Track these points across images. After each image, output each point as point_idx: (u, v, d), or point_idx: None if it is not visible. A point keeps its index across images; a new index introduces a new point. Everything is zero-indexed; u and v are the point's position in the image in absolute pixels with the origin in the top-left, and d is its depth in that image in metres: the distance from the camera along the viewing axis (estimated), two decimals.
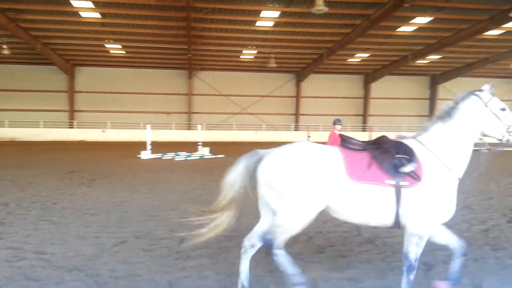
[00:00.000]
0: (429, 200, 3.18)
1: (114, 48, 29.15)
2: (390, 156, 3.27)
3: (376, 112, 38.73)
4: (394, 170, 3.19)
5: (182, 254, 4.57)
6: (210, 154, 18.28)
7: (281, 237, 3.28)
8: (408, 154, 3.26)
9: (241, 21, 21.93)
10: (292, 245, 4.81)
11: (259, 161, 3.44)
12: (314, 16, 20.09)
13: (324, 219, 6.17)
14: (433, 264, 4.40)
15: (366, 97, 38.43)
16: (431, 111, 39.19)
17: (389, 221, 3.27)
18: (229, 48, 28.12)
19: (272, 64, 30.15)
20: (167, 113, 36.78)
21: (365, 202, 3.20)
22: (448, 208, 3.27)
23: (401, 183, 3.17)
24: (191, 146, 23.05)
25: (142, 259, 4.46)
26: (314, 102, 38.74)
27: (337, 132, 8.70)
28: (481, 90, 3.55)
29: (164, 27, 23.12)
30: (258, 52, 29.48)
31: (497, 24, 20.91)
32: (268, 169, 3.33)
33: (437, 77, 38.27)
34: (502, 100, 3.52)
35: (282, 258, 3.26)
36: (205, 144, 20.76)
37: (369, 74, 37.34)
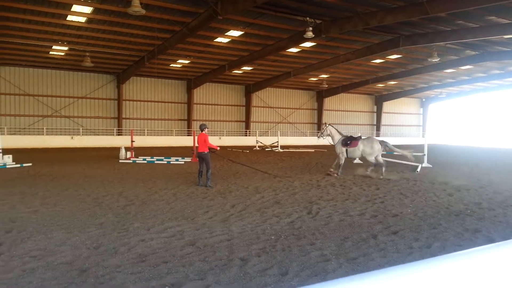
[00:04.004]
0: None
1: None
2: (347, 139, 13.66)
3: (199, 117, 40.31)
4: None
5: None
6: (14, 163, 15.86)
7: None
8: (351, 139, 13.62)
9: (49, 13, 19.66)
10: (109, 258, 4.75)
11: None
12: (132, 17, 19.66)
13: (148, 226, 6.28)
14: (249, 258, 4.99)
15: (189, 102, 39.57)
16: (247, 117, 43.19)
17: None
18: (35, 42, 24.81)
19: (88, 63, 28.02)
20: None
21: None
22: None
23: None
24: None
25: None
26: (137, 105, 37.79)
27: (206, 133, 10.99)
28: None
29: None
30: (71, 49, 26.94)
31: (295, 43, 24.57)
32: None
33: (251, 86, 42.35)
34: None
35: None
36: (7, 151, 17.97)
37: (192, 80, 38.61)
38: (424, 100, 57.07)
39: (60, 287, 3.89)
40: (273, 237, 5.79)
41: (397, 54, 29.35)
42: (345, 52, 28.53)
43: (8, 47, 25.89)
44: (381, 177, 13.02)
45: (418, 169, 15.23)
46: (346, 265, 4.66)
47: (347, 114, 51.18)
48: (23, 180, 11.76)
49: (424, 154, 17.18)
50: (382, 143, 13.67)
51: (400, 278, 1.35)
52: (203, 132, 11.03)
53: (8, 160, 16.04)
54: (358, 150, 13.50)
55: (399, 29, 23.02)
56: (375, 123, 53.38)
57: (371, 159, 13.43)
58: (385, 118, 53.58)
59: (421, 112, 57.89)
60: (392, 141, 17.87)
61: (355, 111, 51.80)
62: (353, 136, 14.17)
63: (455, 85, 43.89)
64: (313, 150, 29.94)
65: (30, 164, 16.13)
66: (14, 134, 31.56)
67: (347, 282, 1.27)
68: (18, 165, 15.58)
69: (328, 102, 48.52)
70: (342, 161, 13.91)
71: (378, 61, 31.92)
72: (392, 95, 51.20)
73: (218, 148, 11.34)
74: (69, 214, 7.13)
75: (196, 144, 11.51)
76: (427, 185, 11.59)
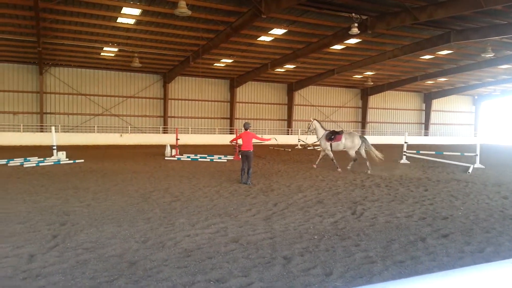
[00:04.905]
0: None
1: None
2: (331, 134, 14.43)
3: (241, 115, 40.70)
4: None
5: (30, 273, 4.16)
6: (67, 159, 16.79)
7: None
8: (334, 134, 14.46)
9: (100, 16, 20.60)
10: (157, 252, 4.92)
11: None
12: (178, 18, 20.18)
13: (193, 222, 6.44)
14: (292, 257, 4.98)
15: (232, 101, 40.05)
16: (289, 116, 43.05)
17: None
18: (87, 44, 26.11)
19: (136, 63, 29.12)
20: (14, 113, 32.33)
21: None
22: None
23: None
24: (44, 151, 20.89)
25: None
26: (182, 104, 38.78)
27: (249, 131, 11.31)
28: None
29: (7, 15, 20.26)
30: (121, 50, 28.10)
31: (339, 40, 24.12)
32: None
33: (293, 85, 42.12)
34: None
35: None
36: (61, 148, 19.06)
37: (234, 79, 39.05)
38: (476, 97, 54.05)
39: (111, 278, 4.06)
40: (316, 237, 5.72)
41: (448, 50, 28.02)
42: (392, 48, 27.66)
43: (62, 48, 27.42)
44: (368, 171, 13.86)
45: (470, 170, 14.48)
46: (393, 268, 4.51)
47: (393, 112, 49.60)
48: (76, 175, 12.42)
49: (476, 155, 16.31)
50: (362, 138, 14.66)
51: (452, 282, 1.28)
52: (248, 130, 11.20)
53: (62, 156, 17.02)
54: (341, 144, 14.58)
55: (450, 24, 21.94)
56: (423, 121, 51.31)
57: (352, 152, 14.55)
58: (434, 117, 51.37)
59: (473, 110, 54.88)
60: (442, 141, 17.36)
61: (402, 109, 50.09)
62: (336, 131, 15.11)
63: (510, 82, 41.23)
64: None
65: (82, 160, 16.98)
66: (67, 132, 33.40)
67: (401, 284, 1.22)
68: (71, 161, 16.47)
69: (373, 100, 47.24)
70: (331, 155, 14.90)
71: (427, 57, 30.63)
72: (442, 93, 48.94)
73: (270, 139, 12.33)
74: (119, 209, 7.44)
75: (240, 142, 11.61)
76: (479, 187, 10.98)
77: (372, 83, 40.60)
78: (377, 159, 14.33)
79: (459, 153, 18.19)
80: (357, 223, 6.58)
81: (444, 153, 18.65)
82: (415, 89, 48.47)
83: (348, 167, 14.68)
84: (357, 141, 14.46)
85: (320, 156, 15.52)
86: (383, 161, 14.70)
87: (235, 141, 12.22)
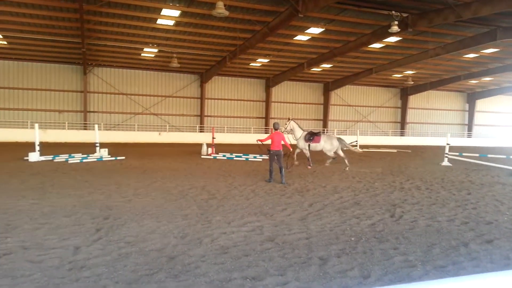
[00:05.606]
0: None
1: None
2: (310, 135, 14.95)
3: (277, 115, 40.68)
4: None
5: (76, 264, 4.37)
6: (109, 156, 17.46)
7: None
8: (313, 135, 14.96)
9: (140, 18, 21.26)
10: (194, 247, 5.03)
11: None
12: (215, 19, 20.47)
13: (229, 220, 6.54)
14: (328, 258, 4.95)
15: (267, 101, 40.11)
16: (325, 116, 42.57)
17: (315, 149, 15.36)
18: (128, 45, 27.01)
19: (175, 64, 29.81)
20: (59, 111, 33.96)
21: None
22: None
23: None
24: (87, 148, 21.78)
25: (29, 271, 4.13)
26: (218, 103, 39.28)
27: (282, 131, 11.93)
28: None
29: (54, 17, 21.31)
30: (160, 51, 28.87)
31: (378, 38, 23.58)
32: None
33: (329, 84, 41.59)
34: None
35: None
36: (103, 145, 19.81)
37: (270, 79, 39.08)
38: None
39: (151, 272, 4.19)
40: (353, 239, 5.64)
41: (494, 48, 26.73)
42: (434, 47, 26.72)
43: (105, 49, 28.53)
44: (346, 168, 14.62)
45: None
46: (434, 273, 4.38)
47: (434, 112, 47.87)
48: (118, 171, 12.89)
49: None
50: (339, 139, 15.58)
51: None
52: (278, 130, 11.33)
53: (104, 153, 17.73)
54: (320, 145, 15.21)
55: (496, 21, 20.93)
56: (466, 122, 49.20)
57: (331, 154, 15.34)
58: (478, 118, 49.12)
59: None
60: (487, 143, 16.75)
61: (443, 110, 48.26)
62: (314, 132, 15.53)
63: None
64: (395, 151, 28.52)
65: (123, 157, 17.57)
66: (109, 129, 34.67)
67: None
68: (113, 158, 17.09)
69: (414, 99, 45.78)
70: (308, 154, 15.40)
71: (471, 55, 29.37)
72: (487, 93, 46.68)
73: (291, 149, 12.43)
74: (158, 205, 7.66)
75: (268, 142, 11.64)
76: None
77: (412, 82, 39.30)
78: (358, 155, 15.92)
79: (504, 156, 17.31)
80: (396, 226, 6.43)
81: (489, 155, 17.81)
82: (458, 89, 46.57)
83: (326, 164, 15.67)
84: (336, 143, 15.32)
85: (295, 154, 15.59)
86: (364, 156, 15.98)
87: (263, 141, 12.06)
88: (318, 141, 15.16)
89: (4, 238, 5.26)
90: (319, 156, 17.85)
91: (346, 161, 15.06)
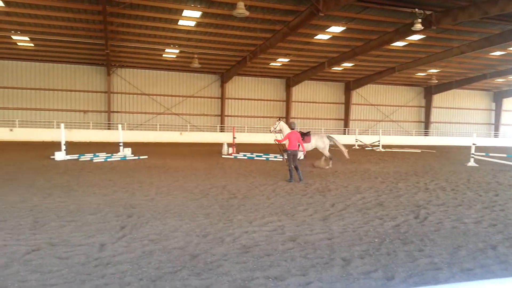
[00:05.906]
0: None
1: (22, 40, 26.82)
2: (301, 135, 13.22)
3: (297, 114, 40.53)
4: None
5: (101, 261, 4.45)
6: (133, 155, 17.76)
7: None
8: (303, 135, 14.31)
9: (162, 19, 21.54)
10: (216, 246, 5.07)
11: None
12: (236, 19, 20.56)
13: (250, 219, 6.55)
14: (351, 259, 4.90)
15: (288, 100, 40.00)
16: (346, 115, 42.13)
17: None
18: (150, 46, 27.42)
19: (196, 64, 30.09)
20: (84, 111, 34.78)
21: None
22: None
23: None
24: (111, 147, 22.23)
25: (56, 267, 4.23)
26: (239, 103, 39.42)
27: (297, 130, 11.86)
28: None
29: (78, 20, 21.84)
30: (181, 52, 29.18)
31: (401, 36, 23.17)
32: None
33: (350, 83, 41.12)
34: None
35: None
36: (126, 144, 20.16)
37: (290, 78, 38.95)
38: None
39: (174, 269, 4.24)
40: (376, 240, 5.55)
41: None
42: (459, 45, 26.08)
43: (128, 51, 29.05)
44: (327, 167, 14.71)
45: None
46: (460, 275, 4.27)
47: (459, 112, 46.71)
48: (141, 170, 13.09)
49: None
50: (329, 137, 15.66)
51: None
52: (295, 130, 11.34)
53: (127, 152, 18.05)
54: (311, 145, 15.30)
55: None
56: (493, 122, 47.81)
57: (326, 152, 15.29)
58: (505, 117, 47.65)
59: None
60: None
61: (469, 109, 47.03)
62: (303, 132, 15.56)
63: None
64: (419, 151, 27.95)
65: (146, 156, 17.85)
66: (132, 129, 35.29)
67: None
68: (136, 157, 17.38)
69: (438, 98, 44.79)
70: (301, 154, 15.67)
71: (498, 53, 28.53)
72: None
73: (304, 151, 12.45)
74: (180, 203, 7.74)
75: (285, 142, 11.63)
76: None
77: (436, 81, 38.48)
78: (345, 155, 15.74)
79: None
80: (421, 228, 6.30)
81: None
82: (484, 88, 45.30)
83: (327, 167, 14.87)
84: (327, 141, 15.49)
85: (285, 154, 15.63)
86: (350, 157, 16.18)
87: (280, 142, 12.18)
88: (309, 141, 15.22)
89: (32, 235, 5.42)
90: (315, 155, 17.67)
91: (330, 162, 15.11)
